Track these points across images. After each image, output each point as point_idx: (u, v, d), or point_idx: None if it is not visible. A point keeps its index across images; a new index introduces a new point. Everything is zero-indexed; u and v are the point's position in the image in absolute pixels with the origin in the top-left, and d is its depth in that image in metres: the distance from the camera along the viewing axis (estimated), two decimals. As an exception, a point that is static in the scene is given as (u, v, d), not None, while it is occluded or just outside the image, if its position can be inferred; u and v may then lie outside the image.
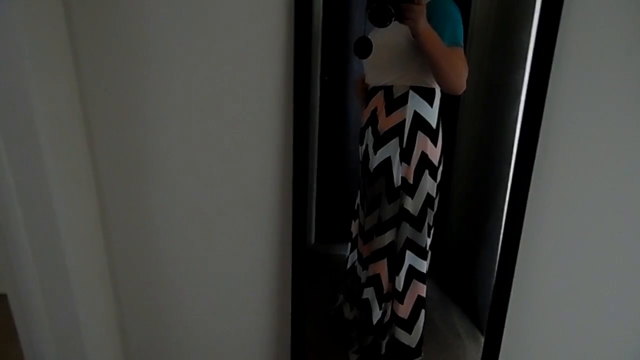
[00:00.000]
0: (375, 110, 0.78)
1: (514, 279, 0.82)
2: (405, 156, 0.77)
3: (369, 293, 0.87)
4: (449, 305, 0.91)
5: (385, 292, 0.87)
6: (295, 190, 0.83)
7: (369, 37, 0.71)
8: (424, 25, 0.65)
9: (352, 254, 0.91)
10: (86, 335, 1.00)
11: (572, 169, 0.78)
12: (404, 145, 0.76)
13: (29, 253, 0.94)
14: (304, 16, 0.72)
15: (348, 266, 0.92)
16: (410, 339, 0.87)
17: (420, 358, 0.90)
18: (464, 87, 0.70)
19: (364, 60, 0.78)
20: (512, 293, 0.83)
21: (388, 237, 0.83)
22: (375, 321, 0.89)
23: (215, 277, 0.96)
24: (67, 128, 0.89)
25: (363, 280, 0.88)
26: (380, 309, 0.88)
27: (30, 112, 0.81)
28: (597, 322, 0.86)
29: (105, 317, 1.05)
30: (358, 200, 0.87)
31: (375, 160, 0.79)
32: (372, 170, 0.80)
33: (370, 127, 0.79)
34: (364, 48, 0.72)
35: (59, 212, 0.90)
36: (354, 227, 0.90)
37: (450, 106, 0.78)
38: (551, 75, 0.69)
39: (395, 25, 0.65)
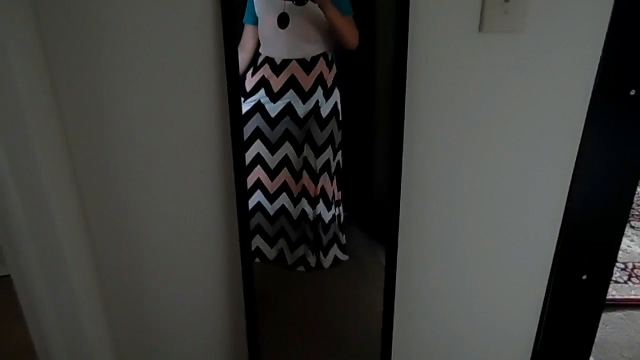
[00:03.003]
0: (293, 76, 0.99)
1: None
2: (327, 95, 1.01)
3: (283, 198, 1.06)
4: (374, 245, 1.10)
5: (295, 194, 1.06)
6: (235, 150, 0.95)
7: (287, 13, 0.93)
8: (328, 1, 0.91)
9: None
10: (83, 309, 1.09)
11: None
12: (327, 87, 1.01)
13: (28, 235, 1.02)
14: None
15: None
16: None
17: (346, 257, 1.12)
18: (357, 44, 0.96)
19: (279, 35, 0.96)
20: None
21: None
22: (295, 215, 1.07)
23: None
24: (48, 124, 0.97)
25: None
26: (295, 206, 1.07)
27: (21, 109, 0.89)
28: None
29: (93, 293, 1.14)
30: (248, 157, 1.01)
31: (304, 108, 1.01)
32: (302, 116, 1.02)
33: (292, 89, 1.00)
34: (284, 21, 0.95)
35: (50, 196, 0.97)
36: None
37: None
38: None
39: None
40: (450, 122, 0.98)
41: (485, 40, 0.91)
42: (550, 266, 1.10)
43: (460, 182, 1.03)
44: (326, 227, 1.09)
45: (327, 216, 1.08)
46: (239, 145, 0.96)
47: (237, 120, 0.94)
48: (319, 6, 0.92)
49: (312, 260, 1.11)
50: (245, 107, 1.01)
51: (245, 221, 1.01)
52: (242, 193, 0.99)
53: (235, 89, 0.92)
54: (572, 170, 1.01)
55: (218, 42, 0.88)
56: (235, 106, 0.93)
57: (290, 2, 0.93)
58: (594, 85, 0.93)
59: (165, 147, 0.98)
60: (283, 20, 0.94)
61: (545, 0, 0.87)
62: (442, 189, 1.04)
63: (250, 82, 1.00)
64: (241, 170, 0.98)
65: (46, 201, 0.97)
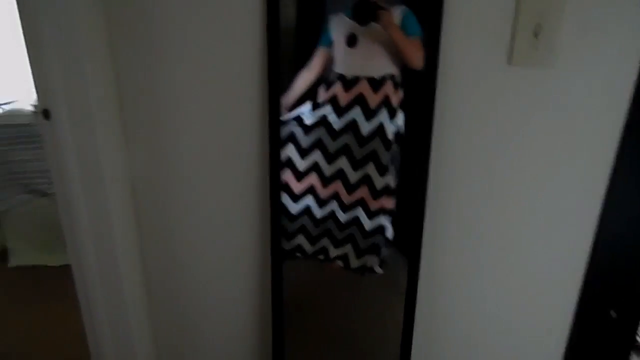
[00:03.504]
0: (361, 94, 1.04)
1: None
2: (392, 117, 1.04)
3: (333, 205, 1.12)
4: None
5: (347, 203, 1.11)
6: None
7: (356, 33, 1.00)
8: (391, 23, 0.96)
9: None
10: (128, 299, 1.21)
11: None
12: (393, 108, 1.04)
13: (89, 232, 1.15)
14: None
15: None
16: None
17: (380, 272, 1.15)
18: (422, 64, 0.97)
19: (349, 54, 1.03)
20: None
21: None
22: (343, 220, 1.13)
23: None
24: (113, 131, 1.09)
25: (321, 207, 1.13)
26: (344, 213, 1.12)
27: (89, 104, 1.02)
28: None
29: (139, 282, 1.26)
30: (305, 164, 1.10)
31: (368, 126, 1.06)
32: (365, 134, 1.06)
33: (358, 106, 1.05)
34: (353, 41, 1.01)
35: (111, 196, 1.10)
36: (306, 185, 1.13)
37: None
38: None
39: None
40: (477, 151, 1.00)
41: (515, 74, 0.93)
42: (576, 300, 1.09)
43: (487, 211, 1.05)
44: (386, 237, 1.14)
45: (388, 229, 1.12)
46: (276, 163, 1.06)
47: (276, 139, 1.05)
48: (382, 27, 0.97)
49: (353, 262, 1.17)
50: (312, 118, 1.09)
51: (276, 228, 1.11)
52: (276, 202, 1.09)
53: (276, 114, 1.03)
54: (601, 203, 1.00)
55: (263, 65, 1.00)
56: (274, 126, 1.04)
57: (356, 23, 1.00)
58: (625, 122, 0.93)
59: (212, 159, 1.10)
60: (351, 40, 1.01)
61: (575, 36, 0.88)
62: (468, 216, 1.06)
63: (321, 97, 1.08)
64: (276, 184, 1.08)
65: (106, 206, 1.10)
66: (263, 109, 1.05)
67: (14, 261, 2.30)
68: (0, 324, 1.93)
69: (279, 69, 1.01)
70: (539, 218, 1.03)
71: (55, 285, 2.11)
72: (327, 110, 1.07)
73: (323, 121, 1.08)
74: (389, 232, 1.12)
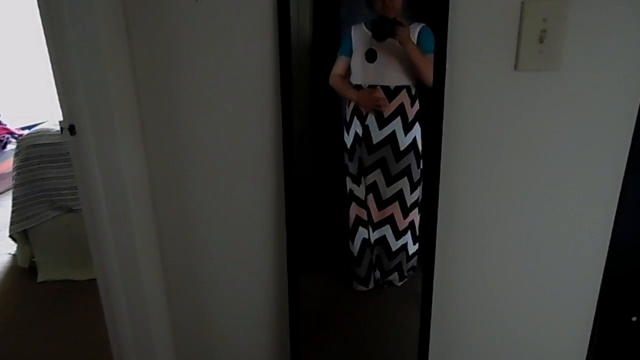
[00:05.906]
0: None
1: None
2: (407, 128, 1.06)
3: (385, 230, 1.12)
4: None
5: (400, 229, 1.11)
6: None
7: (375, 48, 1.02)
8: (408, 39, 0.98)
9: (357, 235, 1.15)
10: (150, 310, 1.24)
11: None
12: (409, 121, 1.05)
13: (113, 245, 1.19)
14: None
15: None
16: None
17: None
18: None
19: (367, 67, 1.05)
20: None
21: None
22: (394, 249, 1.14)
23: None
24: (135, 148, 1.13)
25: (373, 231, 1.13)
26: (396, 240, 1.13)
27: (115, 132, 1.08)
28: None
29: (159, 292, 1.28)
30: (351, 185, 1.12)
31: (380, 134, 1.07)
32: (375, 142, 1.08)
33: (376, 113, 1.07)
34: (372, 56, 1.03)
35: (133, 209, 1.13)
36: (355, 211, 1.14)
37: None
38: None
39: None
40: (487, 158, 1.01)
41: (521, 79, 0.94)
42: (595, 304, 1.07)
43: (497, 217, 1.05)
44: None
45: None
46: (290, 167, 1.08)
47: (289, 144, 1.07)
48: (399, 43, 0.99)
49: (372, 284, 1.18)
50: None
51: (293, 235, 1.12)
52: (292, 208, 1.11)
53: (288, 117, 1.05)
54: (615, 207, 0.99)
55: (276, 78, 1.03)
56: (288, 133, 1.06)
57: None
58: (637, 122, 0.92)
59: (231, 171, 1.13)
60: (371, 55, 1.02)
61: (581, 39, 0.89)
62: (479, 223, 1.06)
63: (347, 111, 1.10)
64: (291, 192, 1.10)
65: (129, 218, 1.14)
66: (277, 117, 1.07)
67: (42, 276, 2.37)
68: (27, 338, 1.99)
69: (292, 83, 1.04)
70: (553, 224, 1.03)
71: (81, 299, 2.17)
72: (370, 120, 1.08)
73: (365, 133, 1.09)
74: (411, 248, 1.14)
